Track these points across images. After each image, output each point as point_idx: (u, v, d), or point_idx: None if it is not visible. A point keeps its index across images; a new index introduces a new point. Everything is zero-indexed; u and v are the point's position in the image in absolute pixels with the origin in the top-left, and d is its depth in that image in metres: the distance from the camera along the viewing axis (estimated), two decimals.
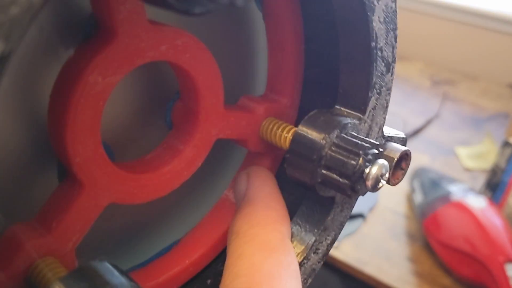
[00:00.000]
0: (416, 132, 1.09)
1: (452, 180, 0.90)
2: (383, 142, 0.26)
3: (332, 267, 0.84)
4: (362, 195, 0.24)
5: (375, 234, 0.87)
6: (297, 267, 0.22)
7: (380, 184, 0.23)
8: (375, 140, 0.26)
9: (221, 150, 0.27)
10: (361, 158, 0.22)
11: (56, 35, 0.20)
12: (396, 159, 0.25)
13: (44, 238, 0.19)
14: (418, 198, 0.89)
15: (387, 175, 0.23)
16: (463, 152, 1.04)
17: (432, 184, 0.90)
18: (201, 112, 0.23)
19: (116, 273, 0.18)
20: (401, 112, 1.16)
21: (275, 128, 0.25)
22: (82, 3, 0.20)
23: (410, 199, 0.93)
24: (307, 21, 0.26)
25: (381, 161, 0.22)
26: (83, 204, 0.20)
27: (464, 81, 1.34)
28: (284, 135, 0.25)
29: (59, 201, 0.20)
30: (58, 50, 0.20)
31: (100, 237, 0.24)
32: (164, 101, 0.24)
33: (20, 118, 0.20)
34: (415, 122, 1.13)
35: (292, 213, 0.26)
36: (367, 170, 0.22)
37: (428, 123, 1.14)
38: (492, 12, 1.34)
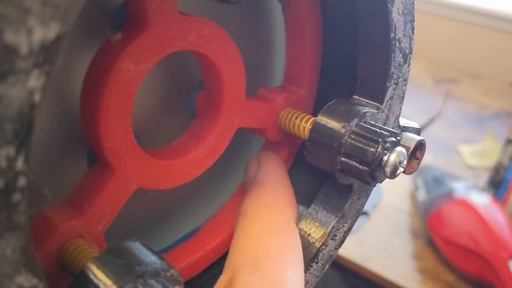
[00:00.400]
0: None
1: (455, 178, 0.91)
2: (399, 131, 0.27)
3: (336, 263, 0.84)
4: (380, 182, 0.25)
5: (378, 231, 0.88)
6: (301, 250, 0.23)
7: (398, 171, 0.23)
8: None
9: (239, 139, 0.28)
10: (380, 146, 0.23)
11: (88, 23, 0.20)
12: (412, 148, 0.25)
13: (76, 220, 0.20)
14: (422, 195, 0.90)
15: (405, 162, 0.23)
16: (466, 150, 1.05)
17: (435, 182, 0.91)
18: (225, 101, 0.23)
19: (148, 252, 0.18)
20: (404, 110, 1.17)
21: (293, 118, 0.26)
22: None
23: (413, 197, 0.93)
24: (325, 11, 0.27)
25: (399, 148, 0.23)
26: (113, 188, 0.21)
27: (467, 80, 1.35)
28: (303, 124, 0.26)
29: (90, 185, 0.21)
30: (90, 37, 0.20)
31: (125, 223, 0.25)
32: (187, 90, 0.25)
33: (51, 104, 0.21)
34: (418, 120, 1.13)
35: (310, 201, 0.27)
36: (385, 158, 0.23)
37: (430, 121, 1.15)
38: (495, 11, 1.35)
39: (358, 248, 0.84)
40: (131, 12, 0.20)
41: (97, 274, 0.17)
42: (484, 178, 0.95)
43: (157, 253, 0.19)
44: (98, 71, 0.19)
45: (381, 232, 0.87)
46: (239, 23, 0.26)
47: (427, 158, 1.02)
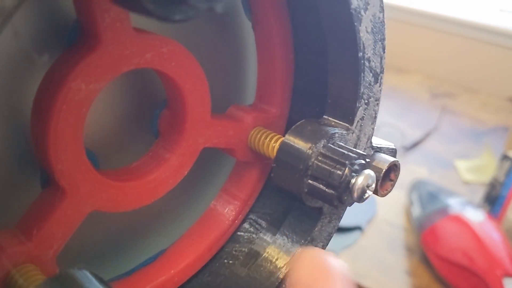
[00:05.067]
0: (414, 145, 1.08)
1: (451, 193, 0.90)
2: (372, 152, 0.26)
3: None
4: (349, 206, 0.24)
5: (372, 247, 0.86)
6: None
7: (367, 195, 0.22)
8: (364, 151, 0.25)
9: (209, 159, 0.27)
10: (347, 168, 0.22)
11: (39, 40, 0.19)
12: (384, 170, 0.25)
13: (24, 245, 0.19)
14: (416, 211, 0.89)
15: (373, 186, 0.23)
16: (462, 165, 1.04)
17: (430, 197, 0.90)
18: (188, 121, 0.23)
19: (95, 281, 0.17)
20: (400, 124, 1.16)
21: (263, 137, 0.25)
22: (67, 9, 0.20)
23: (408, 212, 0.92)
24: (296, 30, 0.26)
25: (368, 171, 0.22)
26: (65, 211, 0.20)
27: (464, 94, 1.34)
28: (272, 144, 0.25)
29: (41, 208, 0.20)
30: (41, 55, 0.20)
31: (82, 245, 0.24)
32: (151, 110, 0.24)
33: (3, 123, 0.20)
34: (414, 134, 1.12)
35: (280, 224, 0.26)
36: (353, 181, 0.22)
37: (426, 135, 1.14)
38: (492, 25, 1.35)
39: (352, 264, 0.83)
40: (84, 30, 0.19)
41: None
42: (479, 193, 0.94)
43: (105, 283, 0.18)
44: (48, 90, 0.19)
45: (375, 247, 0.86)
46: (206, 40, 0.26)
47: (423, 173, 1.01)
